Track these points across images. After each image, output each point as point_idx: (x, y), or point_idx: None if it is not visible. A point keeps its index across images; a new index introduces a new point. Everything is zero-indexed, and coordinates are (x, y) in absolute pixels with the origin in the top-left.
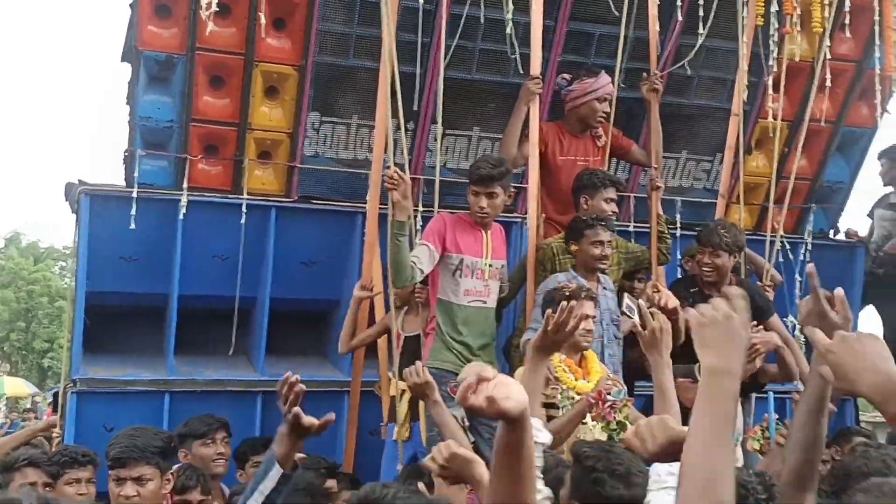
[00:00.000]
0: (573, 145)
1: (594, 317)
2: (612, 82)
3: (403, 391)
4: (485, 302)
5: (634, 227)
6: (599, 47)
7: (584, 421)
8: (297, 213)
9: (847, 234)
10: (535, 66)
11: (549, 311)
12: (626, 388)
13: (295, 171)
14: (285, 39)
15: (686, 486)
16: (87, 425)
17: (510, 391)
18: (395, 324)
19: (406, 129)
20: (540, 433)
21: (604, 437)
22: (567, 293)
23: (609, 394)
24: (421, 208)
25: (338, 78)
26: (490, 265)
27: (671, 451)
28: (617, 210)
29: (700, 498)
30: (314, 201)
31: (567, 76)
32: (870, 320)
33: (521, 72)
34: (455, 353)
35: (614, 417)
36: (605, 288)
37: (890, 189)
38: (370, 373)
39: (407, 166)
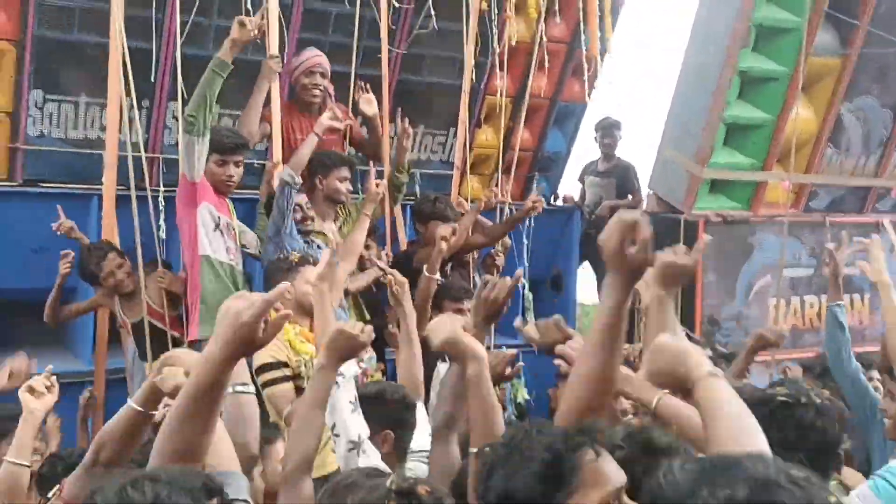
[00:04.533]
0: (303, 124)
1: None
2: (350, 62)
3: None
4: (239, 264)
5: None
6: (336, 26)
7: None
8: (23, 197)
9: (564, 199)
10: (273, 44)
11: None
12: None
13: (18, 153)
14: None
15: None
16: None
17: None
18: (118, 313)
19: (141, 107)
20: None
21: None
22: (294, 261)
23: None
24: (162, 188)
25: (62, 53)
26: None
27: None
28: (351, 188)
29: None
30: (42, 185)
31: None
32: (586, 274)
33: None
34: None
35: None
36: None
37: (598, 156)
38: (118, 360)
39: (142, 145)
